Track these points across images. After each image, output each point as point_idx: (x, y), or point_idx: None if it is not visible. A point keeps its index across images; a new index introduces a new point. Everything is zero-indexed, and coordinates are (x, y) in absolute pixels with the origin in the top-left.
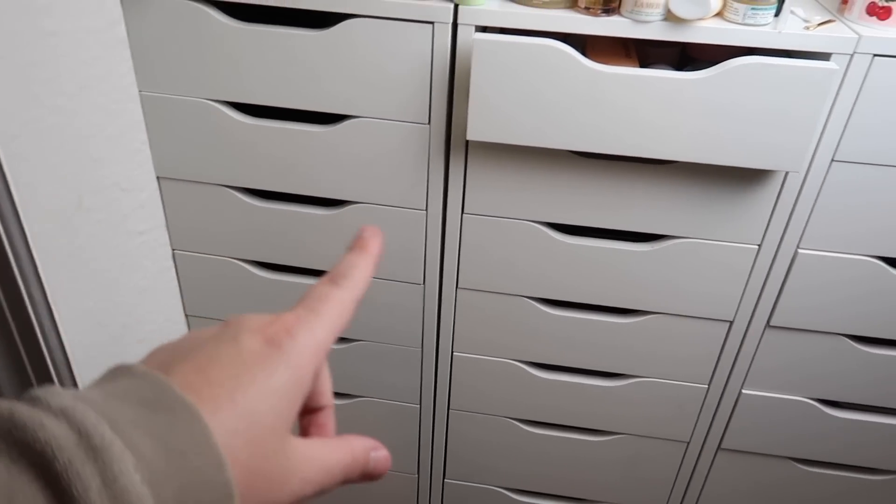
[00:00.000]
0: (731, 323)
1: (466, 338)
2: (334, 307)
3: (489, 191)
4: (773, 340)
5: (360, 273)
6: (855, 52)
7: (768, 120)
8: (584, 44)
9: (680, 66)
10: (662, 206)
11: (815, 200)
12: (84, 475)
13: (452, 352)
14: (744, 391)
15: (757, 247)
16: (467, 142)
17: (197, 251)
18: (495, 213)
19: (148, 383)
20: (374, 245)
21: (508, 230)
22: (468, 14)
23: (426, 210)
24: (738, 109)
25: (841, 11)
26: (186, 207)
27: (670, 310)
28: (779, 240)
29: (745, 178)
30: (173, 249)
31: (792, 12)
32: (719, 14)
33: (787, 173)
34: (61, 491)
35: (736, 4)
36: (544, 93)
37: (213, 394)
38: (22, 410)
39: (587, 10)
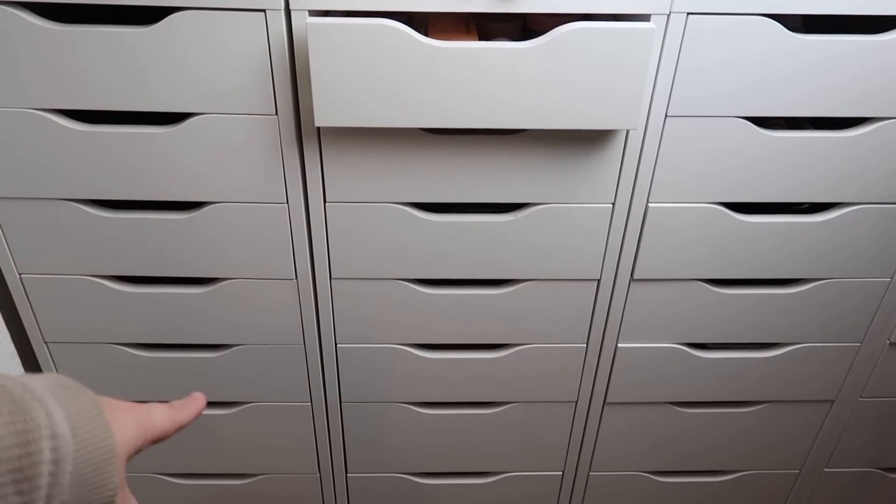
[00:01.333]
0: (599, 281)
1: (348, 328)
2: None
3: (349, 177)
4: (639, 293)
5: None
6: (671, 12)
7: (600, 82)
8: (428, 24)
9: (523, 39)
10: (518, 175)
11: (657, 155)
12: (39, 418)
13: (336, 344)
14: (619, 345)
15: (611, 205)
16: (319, 129)
17: (46, 273)
18: (358, 199)
19: (54, 375)
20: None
21: (373, 214)
22: None
23: (287, 203)
24: (570, 75)
25: None
26: (27, 226)
27: (540, 275)
28: (630, 196)
29: (590, 140)
30: (19, 274)
31: None
32: None
33: (627, 132)
34: (25, 430)
35: None
36: (384, 73)
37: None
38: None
39: None
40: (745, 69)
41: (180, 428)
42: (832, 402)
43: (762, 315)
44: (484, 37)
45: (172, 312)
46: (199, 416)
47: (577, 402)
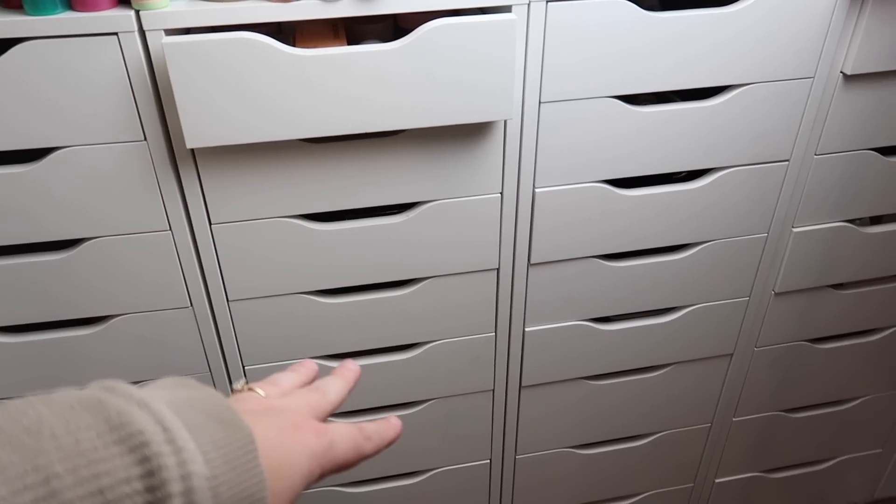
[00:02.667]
0: (498, 269)
1: (254, 349)
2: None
3: (232, 196)
4: (538, 276)
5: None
6: (531, 1)
7: (469, 75)
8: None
9: (396, 39)
10: (405, 175)
11: (537, 141)
12: (170, 466)
13: (243, 367)
14: (527, 329)
15: (499, 195)
16: (193, 151)
17: None
18: (245, 217)
19: (209, 398)
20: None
21: (263, 231)
22: (152, 19)
23: (170, 229)
24: (440, 71)
25: None
26: None
27: (440, 271)
28: (516, 184)
29: (470, 133)
30: None
31: None
32: None
33: (504, 122)
34: (150, 472)
35: None
36: (252, 87)
37: (258, 434)
38: (110, 397)
39: None
40: (609, 50)
41: (366, 458)
42: (731, 355)
43: (656, 282)
44: (355, 40)
45: (63, 358)
46: (391, 444)
47: (493, 390)
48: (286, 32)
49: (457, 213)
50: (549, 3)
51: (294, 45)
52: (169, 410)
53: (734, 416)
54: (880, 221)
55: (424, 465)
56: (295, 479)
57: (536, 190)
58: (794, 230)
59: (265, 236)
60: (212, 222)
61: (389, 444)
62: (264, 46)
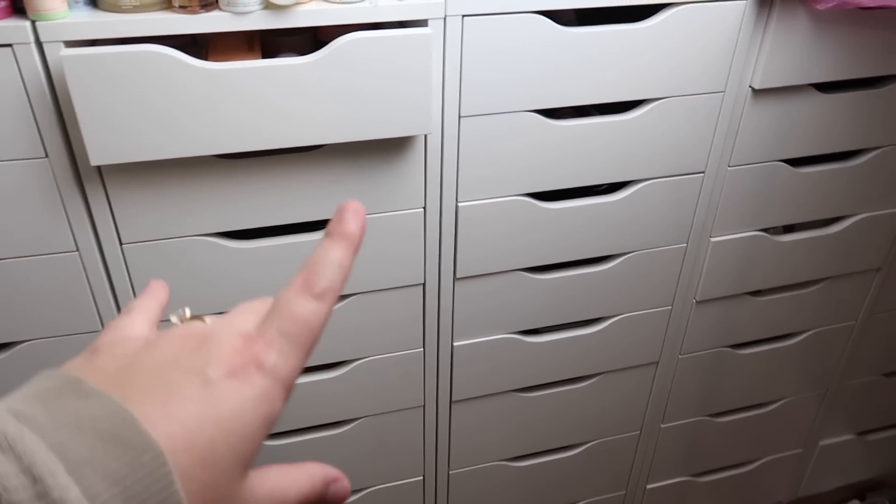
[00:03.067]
0: (424, 284)
1: None
2: (312, 330)
3: (144, 214)
4: (465, 291)
5: (340, 273)
6: (446, 16)
7: (387, 89)
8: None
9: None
10: (326, 190)
11: (458, 156)
12: None
13: None
14: (455, 343)
15: (422, 209)
16: (99, 168)
17: None
18: (159, 236)
19: (103, 410)
20: (352, 226)
21: (179, 250)
22: (49, 30)
23: (77, 250)
24: (356, 85)
25: None
26: None
27: (366, 287)
28: (439, 198)
29: (391, 147)
30: None
31: None
32: None
33: (425, 136)
34: None
35: None
36: (159, 102)
37: (172, 432)
38: None
39: (183, 8)
40: (526, 65)
41: (337, 289)
42: (656, 363)
43: (581, 294)
44: (272, 53)
45: None
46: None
47: (424, 406)
48: (200, 45)
49: (381, 229)
50: (466, 18)
51: (207, 59)
52: (43, 446)
53: (662, 423)
54: (793, 230)
55: (356, 484)
56: (243, 448)
57: (459, 204)
58: (712, 240)
59: (181, 255)
60: (122, 242)
61: (344, 272)
62: (169, 60)
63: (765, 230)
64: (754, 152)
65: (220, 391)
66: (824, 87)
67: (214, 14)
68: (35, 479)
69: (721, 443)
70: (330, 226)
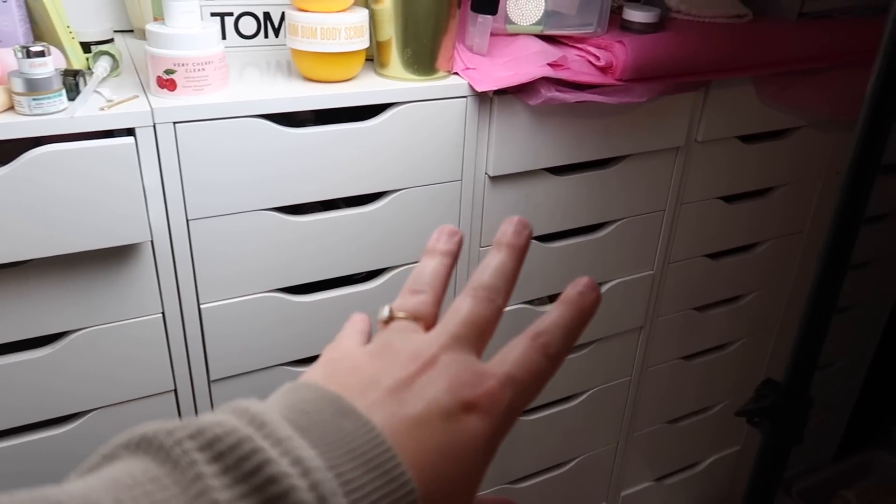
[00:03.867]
0: (176, 391)
1: None
2: (539, 386)
3: None
4: (223, 392)
5: (570, 341)
6: (156, 123)
7: (91, 200)
8: None
9: None
10: (42, 306)
11: (192, 259)
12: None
13: None
14: None
15: (160, 315)
16: None
17: None
18: None
19: (365, 436)
20: (588, 301)
21: None
22: None
23: None
24: (55, 198)
25: (149, 87)
26: None
27: (107, 401)
28: (177, 302)
29: (112, 256)
30: None
31: (97, 92)
32: (11, 108)
33: (151, 241)
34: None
35: (19, 98)
36: None
37: (421, 464)
38: (249, 441)
39: None
40: (254, 165)
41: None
42: None
43: None
44: None
45: None
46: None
47: None
48: None
49: (114, 339)
50: (178, 125)
51: None
52: (323, 465)
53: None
54: (552, 299)
55: None
56: (472, 487)
57: (203, 306)
58: None
59: None
60: None
61: (584, 326)
62: None
63: (529, 302)
64: None
65: (459, 426)
66: (561, 169)
67: None
68: (321, 499)
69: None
70: (568, 295)
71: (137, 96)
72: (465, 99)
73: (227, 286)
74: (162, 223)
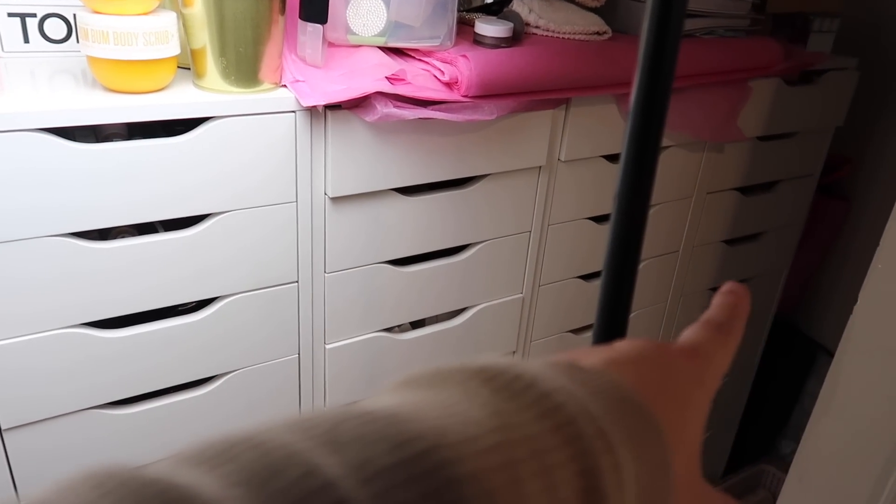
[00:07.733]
0: None
1: None
2: (722, 362)
3: None
4: (13, 443)
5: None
6: None
7: None
8: None
9: None
10: None
11: None
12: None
13: None
14: None
15: None
16: None
17: None
18: None
19: (639, 419)
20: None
21: None
22: None
23: None
24: None
25: None
26: None
27: None
28: None
29: None
30: None
31: None
32: None
33: None
34: (594, 487)
35: None
36: None
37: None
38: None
39: None
40: (43, 185)
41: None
42: None
43: (183, 422)
44: None
45: None
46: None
47: None
48: None
49: None
50: None
51: None
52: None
53: None
54: (423, 324)
55: None
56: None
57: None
58: (328, 346)
59: None
60: None
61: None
62: None
63: (388, 330)
64: (349, 256)
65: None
66: (413, 189)
67: None
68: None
69: None
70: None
71: None
72: (293, 114)
73: (24, 321)
74: None
